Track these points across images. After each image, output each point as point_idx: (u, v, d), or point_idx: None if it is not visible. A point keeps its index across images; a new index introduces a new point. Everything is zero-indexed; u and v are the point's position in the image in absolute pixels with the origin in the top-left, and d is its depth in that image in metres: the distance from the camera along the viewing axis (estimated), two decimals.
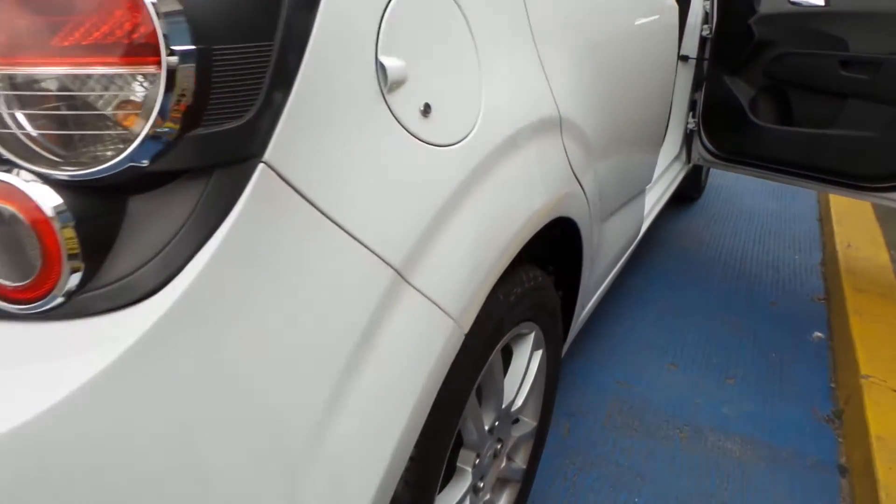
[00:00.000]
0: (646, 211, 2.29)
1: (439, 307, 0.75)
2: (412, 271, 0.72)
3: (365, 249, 0.67)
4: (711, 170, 3.62)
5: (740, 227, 3.28)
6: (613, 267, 1.83)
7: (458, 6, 0.78)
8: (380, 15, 0.68)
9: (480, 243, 0.80)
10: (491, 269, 0.83)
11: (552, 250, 1.34)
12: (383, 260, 0.69)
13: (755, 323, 2.38)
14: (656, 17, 1.60)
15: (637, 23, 1.46)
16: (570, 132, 1.08)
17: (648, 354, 2.14)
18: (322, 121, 0.63)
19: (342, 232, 0.65)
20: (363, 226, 0.67)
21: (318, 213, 0.63)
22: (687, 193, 3.44)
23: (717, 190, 3.80)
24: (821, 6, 2.39)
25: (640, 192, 1.99)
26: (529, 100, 0.93)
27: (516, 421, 1.32)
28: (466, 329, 0.81)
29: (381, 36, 0.68)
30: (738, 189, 3.81)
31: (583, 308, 1.56)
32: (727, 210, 3.51)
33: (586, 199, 1.22)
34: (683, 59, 2.88)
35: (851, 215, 3.14)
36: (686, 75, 2.90)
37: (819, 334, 2.31)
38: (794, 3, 2.46)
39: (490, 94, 0.83)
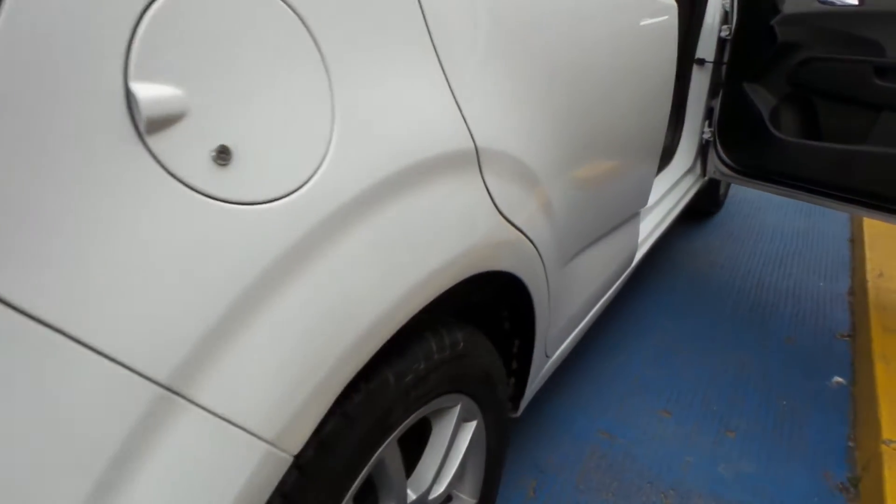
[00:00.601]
0: (644, 234, 2.05)
1: (243, 429, 0.54)
2: (195, 384, 0.51)
3: (106, 361, 0.47)
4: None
5: (760, 248, 2.99)
6: (595, 304, 1.59)
7: (286, 2, 0.57)
8: (133, 19, 0.47)
9: (320, 332, 0.59)
10: (341, 363, 0.62)
11: (503, 292, 1.13)
12: (140, 374, 0.48)
13: (766, 362, 2.11)
14: (645, 16, 1.36)
15: (616, 24, 1.23)
16: (497, 166, 0.85)
17: (640, 398, 1.90)
18: (16, 180, 0.43)
19: (64, 338, 0.45)
20: (103, 327, 0.46)
21: (19, 315, 0.43)
22: (703, 208, 3.17)
23: (737, 204, 3.50)
24: (853, 5, 2.10)
25: (633, 216, 1.75)
26: (421, 130, 0.71)
27: (448, 499, 1.11)
28: (296, 448, 0.60)
29: (135, 51, 0.47)
30: (761, 204, 3.51)
31: (546, 358, 1.34)
32: (748, 227, 3.22)
33: (531, 243, 1.00)
34: (699, 62, 2.62)
35: (886, 238, 2.83)
36: (702, 80, 2.63)
37: (839, 379, 2.04)
38: (823, 3, 2.17)
39: (347, 127, 0.62)
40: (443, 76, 0.75)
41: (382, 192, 0.65)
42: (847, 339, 2.28)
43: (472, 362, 0.95)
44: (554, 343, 1.35)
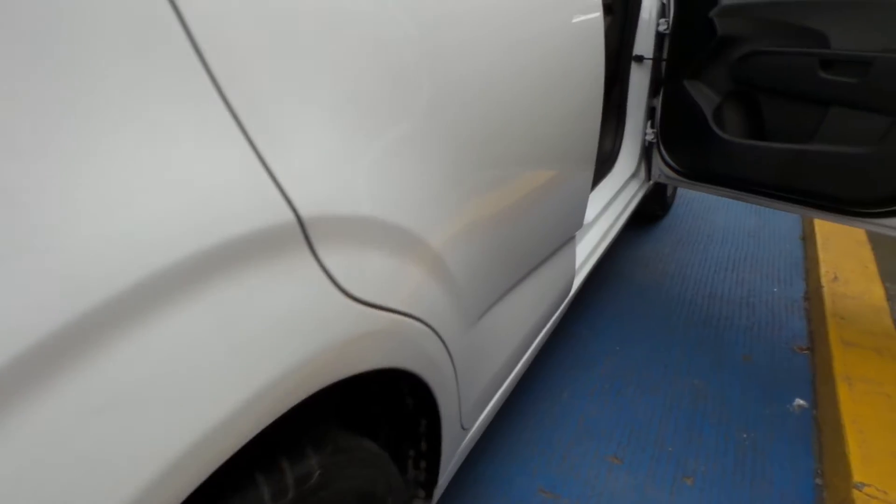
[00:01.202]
0: (583, 257, 1.85)
1: None
2: None
3: None
4: None
5: (711, 252, 2.83)
6: (524, 352, 1.37)
7: None
8: None
9: None
10: None
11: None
12: None
13: (723, 387, 1.93)
14: (560, 14, 1.14)
15: (521, 26, 1.00)
16: (341, 237, 0.61)
17: (586, 444, 1.69)
18: None
19: None
20: None
21: None
22: (650, 212, 3.00)
23: (686, 205, 3.35)
24: None
25: (567, 242, 1.54)
26: (194, 210, 0.46)
27: None
28: None
29: None
30: (710, 203, 3.37)
31: (464, 431, 1.11)
32: (697, 230, 3.06)
33: (416, 321, 0.76)
34: (637, 59, 2.44)
35: (839, 236, 2.70)
36: (642, 78, 2.45)
37: (801, 402, 1.87)
38: None
39: (38, 225, 0.37)
40: (235, 125, 0.51)
41: (121, 314, 0.40)
42: (806, 352, 2.12)
43: (337, 489, 0.71)
44: (472, 414, 1.12)
